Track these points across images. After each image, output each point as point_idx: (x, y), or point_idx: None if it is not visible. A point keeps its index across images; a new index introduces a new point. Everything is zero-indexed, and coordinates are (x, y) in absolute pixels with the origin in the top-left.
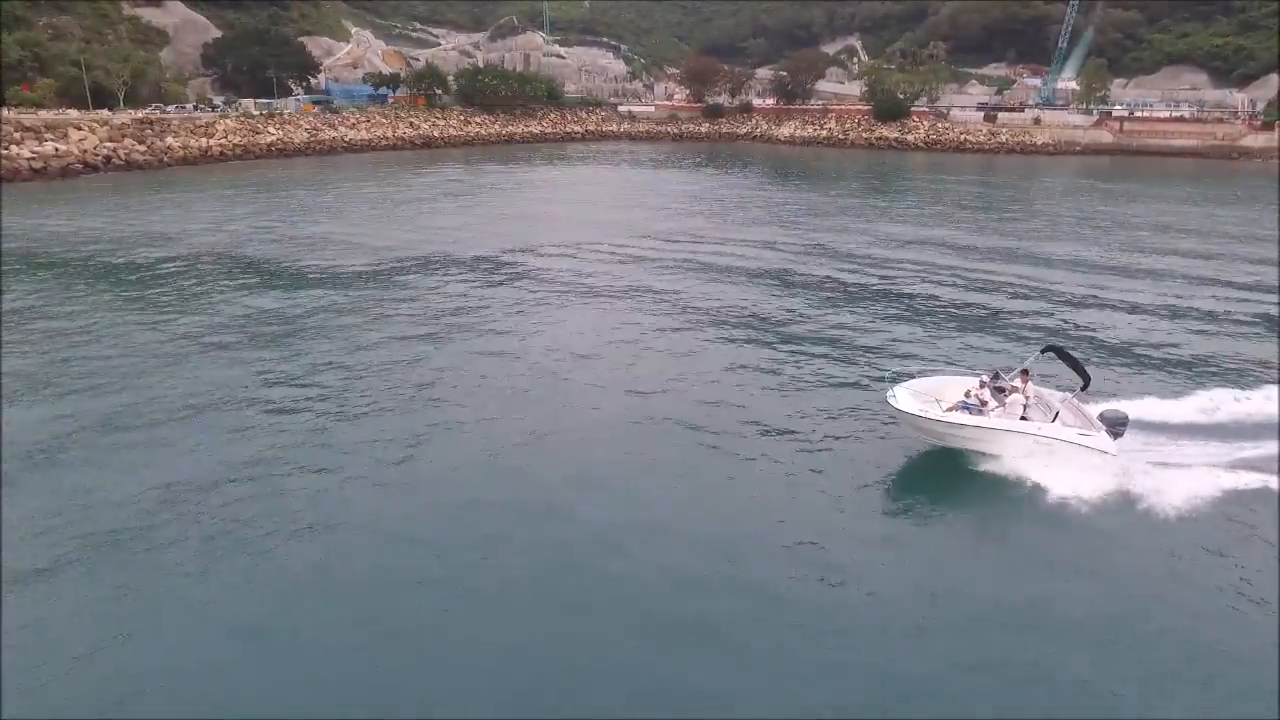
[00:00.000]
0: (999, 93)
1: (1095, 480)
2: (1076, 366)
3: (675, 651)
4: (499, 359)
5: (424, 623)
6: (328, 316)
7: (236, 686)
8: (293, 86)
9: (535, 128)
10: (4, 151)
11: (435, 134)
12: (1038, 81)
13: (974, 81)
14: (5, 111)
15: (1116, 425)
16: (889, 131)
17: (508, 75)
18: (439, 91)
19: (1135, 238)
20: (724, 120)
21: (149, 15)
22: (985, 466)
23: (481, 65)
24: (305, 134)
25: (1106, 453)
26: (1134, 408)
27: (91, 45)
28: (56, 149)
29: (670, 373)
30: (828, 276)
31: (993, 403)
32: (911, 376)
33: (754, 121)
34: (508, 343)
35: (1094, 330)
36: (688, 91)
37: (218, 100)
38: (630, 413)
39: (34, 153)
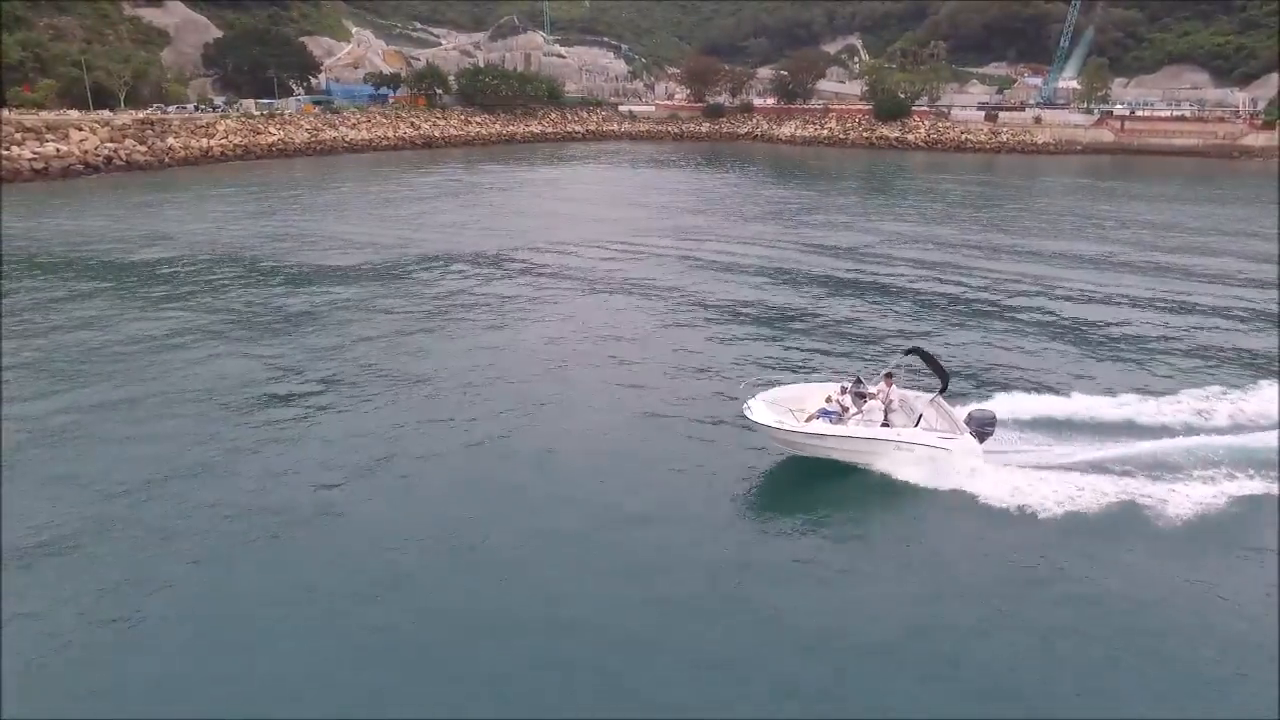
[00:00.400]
0: (1000, 92)
1: (954, 483)
2: (937, 368)
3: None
4: (498, 354)
5: (429, 619)
6: (332, 313)
7: (230, 686)
8: (293, 87)
9: (536, 127)
10: (5, 152)
11: (436, 134)
12: (1038, 81)
13: (974, 81)
14: (7, 112)
15: (984, 426)
16: (889, 131)
17: (508, 75)
18: (439, 91)
19: (1134, 236)
20: (725, 120)
21: (150, 15)
22: (848, 474)
23: (482, 65)
24: (306, 134)
25: (971, 454)
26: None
27: (92, 46)
28: (58, 149)
29: (666, 366)
30: (828, 275)
31: (853, 409)
32: (772, 385)
33: (755, 121)
34: (508, 339)
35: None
36: (688, 91)
37: (218, 100)
38: (623, 407)
39: (35, 153)
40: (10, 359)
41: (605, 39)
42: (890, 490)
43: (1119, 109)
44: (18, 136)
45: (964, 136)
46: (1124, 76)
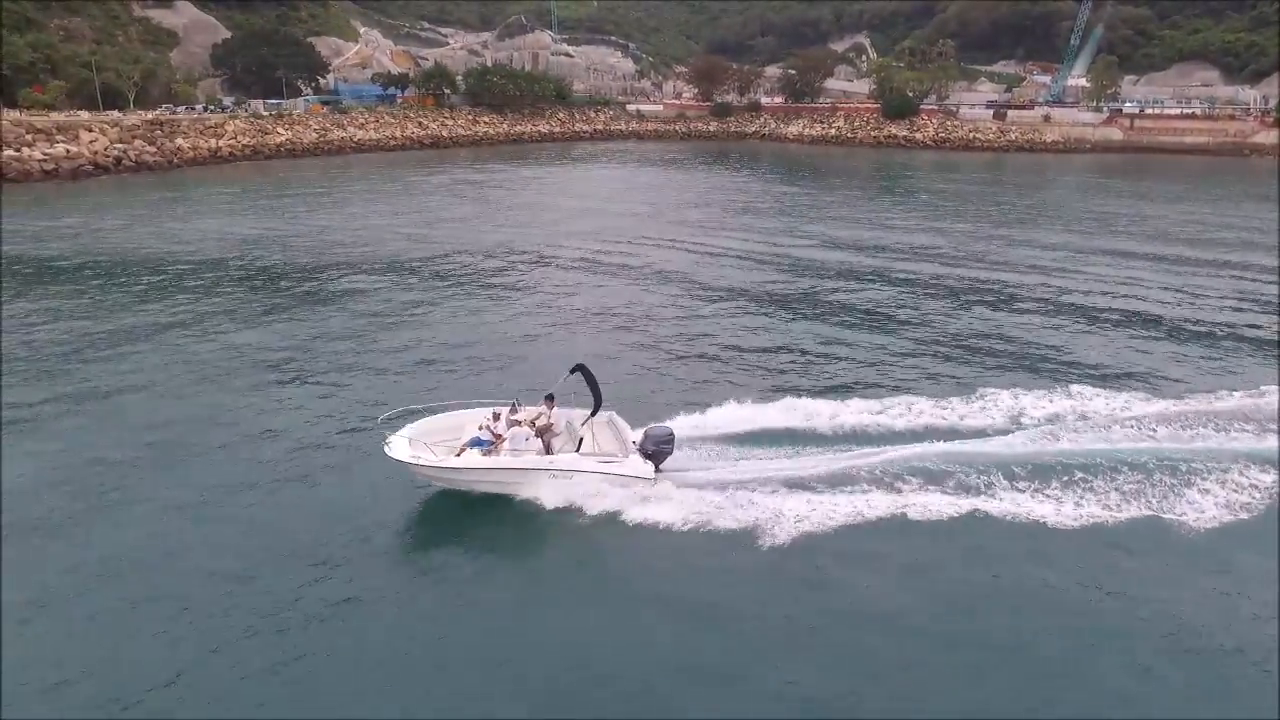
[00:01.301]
0: (1008, 90)
1: (615, 507)
2: (594, 388)
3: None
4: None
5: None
6: (336, 309)
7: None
8: (301, 87)
9: (544, 127)
10: (16, 153)
11: (444, 134)
12: (1047, 79)
13: (983, 79)
14: (17, 113)
15: (661, 444)
16: (897, 130)
17: (516, 74)
18: (447, 91)
19: (1109, 228)
20: (732, 119)
21: (159, 16)
22: (506, 506)
23: (490, 64)
24: (314, 134)
25: (639, 476)
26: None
27: (102, 47)
28: (68, 150)
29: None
30: (834, 276)
31: (507, 436)
32: (421, 414)
33: (762, 120)
34: (505, 333)
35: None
36: (696, 90)
37: (227, 101)
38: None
39: (46, 154)
40: (14, 353)
41: (613, 38)
42: (543, 521)
43: (1128, 107)
44: (28, 138)
45: (972, 135)
46: (1134, 74)
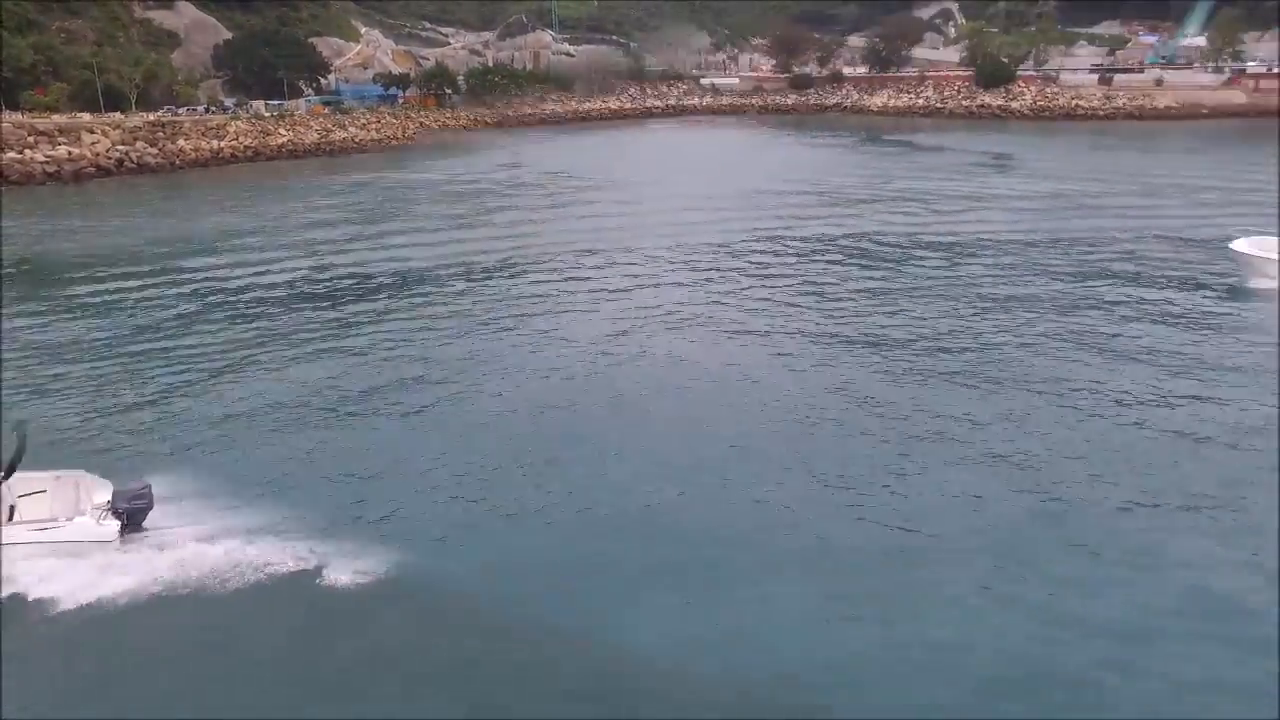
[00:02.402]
0: (1111, 53)
1: (50, 581)
2: (20, 446)
3: None
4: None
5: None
6: (339, 308)
7: None
8: (303, 87)
9: (614, 104)
10: (18, 156)
11: (509, 112)
12: (1154, 39)
13: (1082, 42)
14: (19, 115)
15: (134, 501)
16: (992, 99)
17: (517, 74)
18: (449, 91)
19: None
20: (812, 91)
21: (160, 17)
22: None
23: (491, 64)
24: (316, 135)
25: (95, 540)
26: None
27: (104, 48)
28: (70, 152)
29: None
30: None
31: None
32: None
33: (844, 91)
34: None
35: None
36: (774, 62)
37: (228, 102)
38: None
39: (48, 156)
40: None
41: (614, 37)
42: None
43: (1253, 66)
44: (30, 140)
45: (1075, 103)
46: (1258, 29)
